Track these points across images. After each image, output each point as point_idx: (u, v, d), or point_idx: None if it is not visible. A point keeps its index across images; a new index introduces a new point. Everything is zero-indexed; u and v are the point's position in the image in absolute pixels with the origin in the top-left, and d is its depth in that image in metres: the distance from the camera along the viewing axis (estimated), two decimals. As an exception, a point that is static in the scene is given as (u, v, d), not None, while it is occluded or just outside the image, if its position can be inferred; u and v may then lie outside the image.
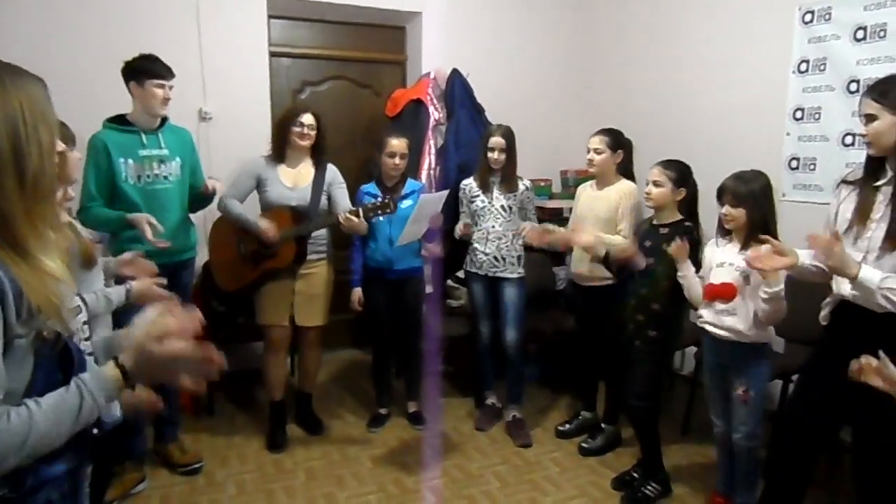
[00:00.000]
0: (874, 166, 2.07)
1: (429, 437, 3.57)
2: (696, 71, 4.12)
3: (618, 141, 3.25)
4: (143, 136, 2.94)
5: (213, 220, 3.41)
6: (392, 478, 3.15)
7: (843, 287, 2.10)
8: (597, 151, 3.23)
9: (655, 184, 2.78)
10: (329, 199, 3.34)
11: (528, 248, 3.64)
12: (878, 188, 2.05)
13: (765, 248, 2.17)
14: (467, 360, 4.12)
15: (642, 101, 4.49)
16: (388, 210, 3.08)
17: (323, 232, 3.33)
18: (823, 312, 2.25)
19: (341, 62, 4.51)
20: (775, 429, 2.60)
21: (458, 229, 3.54)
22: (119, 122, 2.94)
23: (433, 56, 4.42)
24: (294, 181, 3.28)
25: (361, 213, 3.07)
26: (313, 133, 3.25)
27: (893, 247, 1.95)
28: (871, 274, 1.93)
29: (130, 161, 2.90)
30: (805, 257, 2.18)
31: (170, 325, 1.15)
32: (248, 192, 3.30)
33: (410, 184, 3.53)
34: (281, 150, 3.27)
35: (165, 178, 2.99)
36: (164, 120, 3.04)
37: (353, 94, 4.59)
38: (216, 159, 3.77)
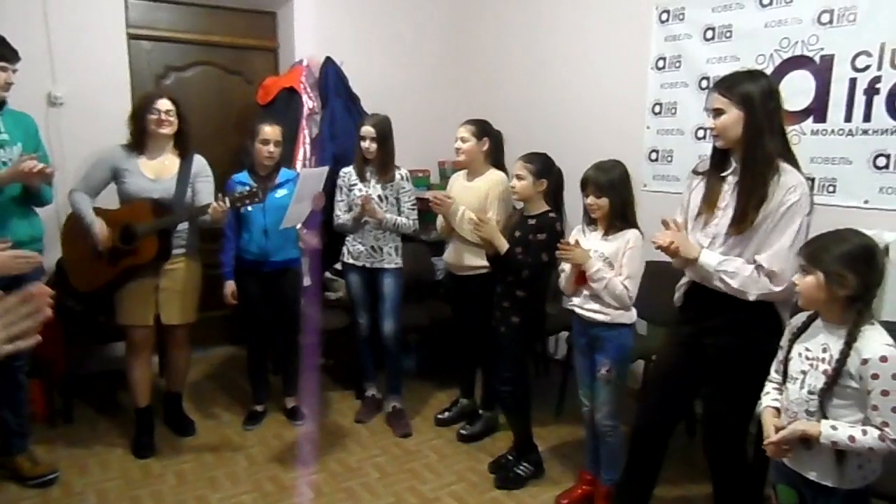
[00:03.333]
0: (720, 157, 2.22)
1: (307, 433, 3.51)
2: (563, 66, 4.27)
3: (483, 129, 3.31)
4: (-21, 120, 2.68)
5: (67, 212, 3.15)
6: (269, 476, 3.07)
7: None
8: (463, 140, 3.28)
9: (518, 177, 2.87)
10: (192, 191, 3.17)
11: (405, 239, 3.65)
12: (723, 178, 2.20)
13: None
14: (347, 353, 4.09)
15: (514, 94, 4.60)
16: (257, 199, 2.97)
17: (186, 224, 3.16)
18: (677, 295, 2.39)
19: (208, 47, 4.32)
20: (637, 406, 2.75)
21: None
22: None
23: (306, 43, 4.31)
24: (157, 173, 3.08)
25: (228, 202, 2.95)
26: (173, 119, 3.07)
27: (737, 232, 2.10)
28: (708, 258, 2.08)
29: (-35, 146, 2.63)
30: None
31: None
32: (102, 184, 3.07)
33: (285, 173, 3.44)
34: (140, 141, 3.07)
35: (4, 164, 2.72)
36: (3, 104, 2.78)
37: (222, 80, 4.41)
38: (68, 147, 3.52)
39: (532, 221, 2.88)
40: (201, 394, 3.93)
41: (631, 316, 2.67)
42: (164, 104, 3.04)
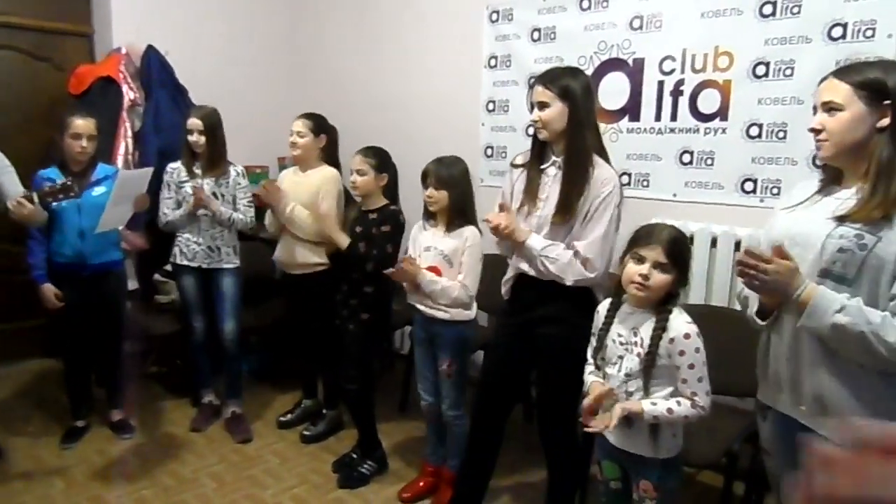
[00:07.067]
0: (539, 151, 2.32)
1: (135, 446, 3.28)
2: (400, 62, 4.29)
3: (320, 125, 3.27)
4: None
5: None
6: (89, 496, 2.83)
7: (518, 262, 2.34)
8: (299, 135, 3.22)
9: (359, 172, 2.84)
10: None
11: (242, 237, 3.51)
12: (543, 170, 2.30)
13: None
14: (180, 359, 3.86)
15: (351, 89, 4.56)
16: (71, 194, 2.72)
17: None
18: (504, 288, 2.47)
19: (9, 29, 3.87)
20: (475, 394, 2.83)
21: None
22: None
23: (125, 30, 4.00)
24: None
25: (36, 198, 2.67)
26: None
27: (561, 221, 2.20)
28: (535, 241, 2.19)
29: None
30: None
31: None
32: None
33: (102, 168, 3.18)
34: None
35: None
36: None
37: (27, 67, 3.98)
38: None
39: (373, 215, 2.87)
40: (10, 413, 3.55)
41: (470, 313, 2.72)
42: None
